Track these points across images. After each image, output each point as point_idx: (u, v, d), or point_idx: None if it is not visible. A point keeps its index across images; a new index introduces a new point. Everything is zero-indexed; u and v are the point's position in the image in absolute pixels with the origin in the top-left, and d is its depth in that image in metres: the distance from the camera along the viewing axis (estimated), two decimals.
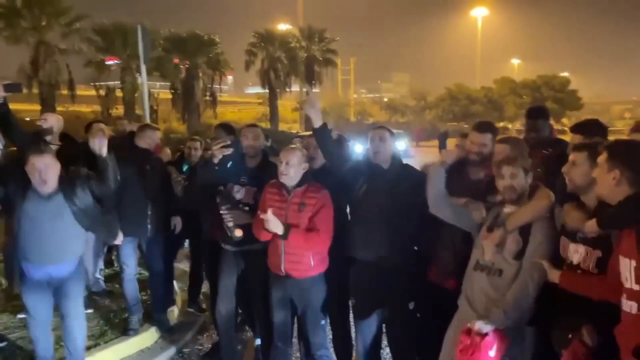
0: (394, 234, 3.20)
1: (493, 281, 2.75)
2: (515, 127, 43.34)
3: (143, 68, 7.04)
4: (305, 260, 3.29)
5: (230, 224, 3.58)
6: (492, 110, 46.64)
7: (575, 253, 2.50)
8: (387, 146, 3.28)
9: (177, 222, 4.72)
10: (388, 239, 3.21)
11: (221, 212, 3.62)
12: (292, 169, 3.25)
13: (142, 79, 7.25)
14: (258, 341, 4.36)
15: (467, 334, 2.62)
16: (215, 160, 3.57)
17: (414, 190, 3.13)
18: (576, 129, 3.47)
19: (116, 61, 24.27)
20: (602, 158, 2.25)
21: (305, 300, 3.37)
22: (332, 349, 3.73)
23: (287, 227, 3.16)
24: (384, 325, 3.44)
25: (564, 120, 44.88)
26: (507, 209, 2.79)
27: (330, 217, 3.28)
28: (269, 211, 3.14)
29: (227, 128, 4.17)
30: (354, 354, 3.91)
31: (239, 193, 3.69)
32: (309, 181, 3.32)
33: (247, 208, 3.66)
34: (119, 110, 25.11)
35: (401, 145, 23.89)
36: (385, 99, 61.66)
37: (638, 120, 3.22)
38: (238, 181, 3.72)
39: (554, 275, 2.49)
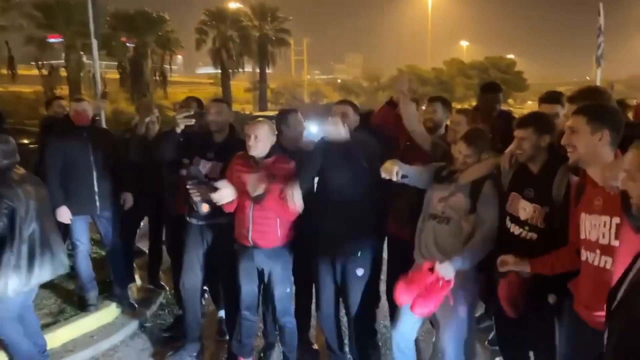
0: (351, 206, 3.31)
1: (442, 228, 2.99)
2: (464, 107, 44.34)
3: (94, 44, 6.73)
4: (272, 230, 3.35)
5: (197, 199, 3.59)
6: (443, 91, 47.26)
7: (523, 210, 2.75)
8: (349, 121, 3.34)
9: (126, 198, 4.59)
10: (344, 212, 3.32)
11: (187, 186, 3.62)
12: (260, 143, 3.30)
13: (94, 55, 6.92)
14: (221, 313, 4.43)
15: (431, 271, 2.79)
16: (178, 130, 3.57)
17: (367, 158, 3.24)
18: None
19: (59, 39, 23.22)
20: (580, 121, 2.30)
21: (271, 269, 3.44)
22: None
23: (262, 194, 3.23)
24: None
25: (510, 101, 46.22)
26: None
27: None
28: (252, 176, 3.21)
29: (197, 100, 4.17)
30: (313, 321, 4.05)
31: (205, 168, 3.70)
32: (277, 153, 3.37)
33: (213, 183, 3.67)
34: (63, 90, 24.06)
35: None
36: (339, 80, 61.69)
37: (548, 91, 3.40)
38: (204, 156, 3.72)
39: (524, 266, 2.63)
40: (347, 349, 3.77)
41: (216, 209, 3.57)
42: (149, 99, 24.89)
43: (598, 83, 23.83)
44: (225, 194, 3.28)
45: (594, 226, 2.25)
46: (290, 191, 3.16)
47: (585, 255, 2.32)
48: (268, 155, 3.35)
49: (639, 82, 61.33)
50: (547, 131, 2.74)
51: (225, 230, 3.69)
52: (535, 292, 2.67)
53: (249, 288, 3.55)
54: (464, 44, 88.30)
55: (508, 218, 2.86)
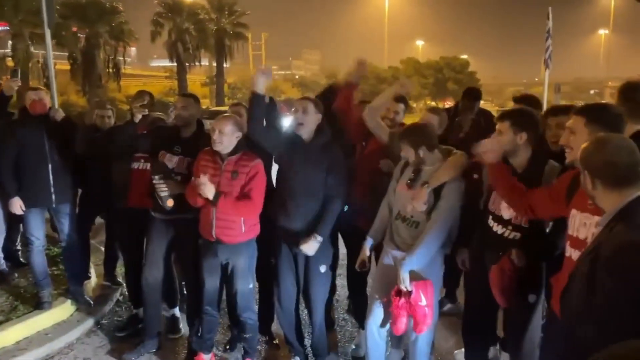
0: (310, 204, 3.36)
1: (411, 231, 3.09)
2: (419, 106, 45.20)
3: (48, 33, 6.45)
4: (235, 226, 3.36)
5: (163, 194, 3.57)
6: None
7: (507, 209, 2.80)
8: (309, 118, 3.36)
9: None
10: (304, 208, 3.36)
11: (153, 181, 3.59)
12: (225, 137, 3.29)
13: (47, 44, 6.63)
14: (176, 311, 4.41)
15: (398, 295, 2.96)
16: (136, 120, 3.55)
17: (328, 168, 3.32)
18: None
19: (5, 27, 22.23)
20: (579, 121, 2.31)
21: (235, 264, 3.46)
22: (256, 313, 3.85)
23: (217, 194, 3.24)
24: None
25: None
26: (427, 167, 3.10)
27: (262, 185, 3.37)
28: (205, 176, 3.20)
29: (149, 94, 4.14)
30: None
31: (171, 162, 3.68)
32: (243, 149, 3.38)
33: (179, 178, 3.66)
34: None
35: None
36: (297, 76, 61.64)
37: (523, 93, 3.58)
38: (171, 150, 3.71)
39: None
40: (306, 342, 3.83)
41: (181, 204, 3.56)
42: (104, 95, 24.30)
43: (546, 85, 24.71)
44: (208, 187, 3.24)
45: (583, 225, 2.21)
46: (201, 181, 3.18)
47: (569, 251, 2.28)
48: (234, 152, 3.36)
49: (584, 84, 64.09)
50: (524, 128, 2.71)
51: (189, 225, 3.67)
52: (518, 289, 2.73)
53: (211, 283, 3.56)
54: (420, 43, 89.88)
55: (491, 217, 2.88)
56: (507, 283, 2.68)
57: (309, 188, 3.33)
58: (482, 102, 5.05)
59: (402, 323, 3.01)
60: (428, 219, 3.01)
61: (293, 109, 3.40)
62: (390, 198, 3.31)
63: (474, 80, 51.80)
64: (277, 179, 3.59)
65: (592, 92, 65.77)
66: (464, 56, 58.14)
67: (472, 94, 4.92)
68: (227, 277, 3.54)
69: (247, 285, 3.53)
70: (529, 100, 3.70)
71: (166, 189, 3.52)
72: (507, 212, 2.80)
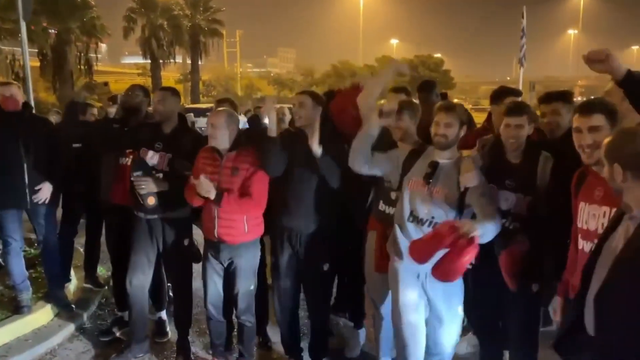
0: (312, 201, 3.26)
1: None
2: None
3: (23, 26, 6.20)
4: (238, 225, 3.25)
5: (142, 192, 3.43)
6: None
7: (505, 200, 2.77)
8: (307, 111, 3.25)
9: (44, 187, 4.12)
10: (306, 205, 3.26)
11: (132, 178, 3.45)
12: (218, 131, 3.18)
13: (22, 38, 6.38)
14: (163, 314, 4.27)
15: (452, 231, 2.50)
16: (110, 115, 3.55)
17: (330, 177, 3.17)
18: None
19: None
20: (600, 119, 2.27)
21: (237, 264, 3.34)
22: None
23: (220, 193, 3.11)
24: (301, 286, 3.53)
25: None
26: (441, 160, 2.85)
27: (265, 181, 3.26)
28: (202, 176, 3.08)
29: (143, 88, 4.03)
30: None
31: (152, 159, 3.54)
32: (242, 145, 3.27)
33: (160, 175, 3.52)
34: None
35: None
36: (272, 74, 61.33)
37: (546, 92, 3.38)
38: (152, 147, 3.56)
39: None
40: (302, 345, 3.72)
41: (164, 203, 3.42)
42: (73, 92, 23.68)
43: (520, 83, 25.06)
44: (206, 187, 3.10)
45: (592, 216, 2.28)
46: (199, 182, 3.07)
47: (582, 244, 2.34)
48: (233, 148, 3.24)
49: (555, 83, 65.39)
50: (533, 120, 2.82)
51: (175, 224, 3.56)
52: (523, 276, 2.74)
53: (213, 286, 3.46)
54: (394, 42, 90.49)
55: None
56: (517, 266, 2.71)
57: (311, 185, 3.23)
58: (455, 100, 4.93)
59: (430, 256, 2.57)
60: (455, 218, 2.76)
61: (292, 105, 3.31)
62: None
63: (448, 79, 52.33)
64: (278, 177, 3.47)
65: (561, 90, 67.15)
66: (438, 55, 58.69)
67: (423, 86, 4.65)
68: (229, 278, 3.42)
69: (248, 287, 3.42)
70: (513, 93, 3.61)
71: (145, 186, 3.39)
72: (505, 203, 2.79)
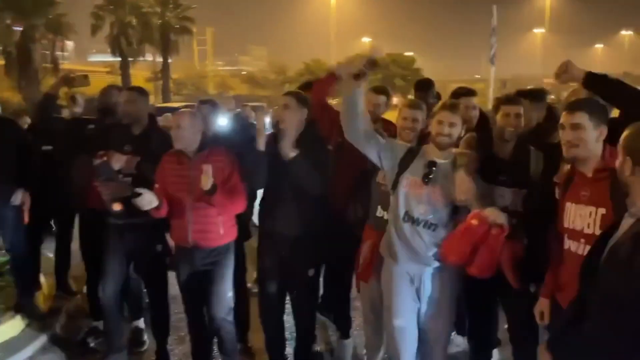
0: (298, 205, 3.16)
1: (430, 233, 2.75)
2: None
3: None
4: (213, 228, 3.14)
5: (106, 197, 3.29)
6: None
7: (502, 197, 2.81)
8: (291, 113, 3.13)
9: (18, 195, 3.99)
10: (292, 210, 3.17)
11: (96, 183, 3.30)
12: (184, 132, 3.07)
13: None
14: (140, 322, 4.12)
15: (483, 222, 2.50)
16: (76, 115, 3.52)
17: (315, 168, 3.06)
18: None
19: None
20: (583, 117, 2.31)
21: (212, 270, 3.22)
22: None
23: (215, 185, 2.97)
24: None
25: (410, 97, 48.09)
26: (439, 160, 2.76)
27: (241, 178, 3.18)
28: (207, 166, 2.94)
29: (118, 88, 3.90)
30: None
31: (118, 162, 3.39)
32: (210, 145, 3.16)
33: (129, 179, 3.38)
34: None
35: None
36: (244, 72, 60.80)
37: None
38: (121, 149, 3.41)
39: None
40: (286, 352, 3.62)
41: (133, 208, 3.27)
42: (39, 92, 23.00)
43: (492, 81, 25.35)
44: (147, 200, 3.00)
45: (579, 215, 2.33)
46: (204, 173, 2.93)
47: (568, 243, 2.39)
48: (202, 148, 3.12)
49: (524, 81, 66.63)
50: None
51: (146, 230, 3.42)
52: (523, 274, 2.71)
53: (191, 296, 3.36)
54: (366, 40, 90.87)
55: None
56: (517, 262, 2.66)
57: (294, 187, 3.13)
58: None
59: (467, 251, 2.55)
60: (450, 219, 2.73)
61: (277, 107, 3.21)
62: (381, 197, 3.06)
63: (420, 77, 52.77)
64: None
65: (529, 88, 68.47)
66: (409, 53, 59.12)
67: (421, 85, 4.65)
68: (205, 284, 3.29)
69: (225, 293, 3.29)
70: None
71: (109, 191, 3.25)
72: (501, 200, 2.77)
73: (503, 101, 2.87)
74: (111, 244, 3.54)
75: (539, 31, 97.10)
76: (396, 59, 53.95)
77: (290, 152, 2.99)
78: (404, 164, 2.82)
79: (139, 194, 2.96)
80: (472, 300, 3.02)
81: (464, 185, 2.65)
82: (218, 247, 3.21)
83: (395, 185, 2.84)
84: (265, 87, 48.75)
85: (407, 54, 58.36)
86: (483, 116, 3.59)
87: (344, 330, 3.92)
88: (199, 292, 3.34)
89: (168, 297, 3.77)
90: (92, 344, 4.02)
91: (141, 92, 3.59)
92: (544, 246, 2.64)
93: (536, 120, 3.25)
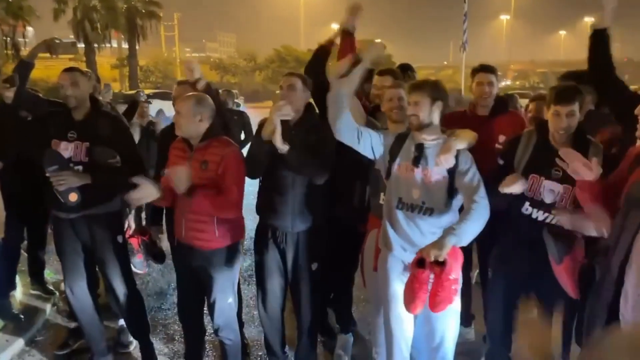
0: (298, 196, 2.98)
1: (426, 220, 2.64)
2: None
3: None
4: (207, 228, 2.88)
5: (62, 188, 3.01)
6: None
7: (551, 192, 2.58)
8: (297, 95, 2.94)
9: None
10: (292, 201, 2.98)
11: (47, 174, 3.01)
12: (182, 119, 2.82)
13: None
14: (121, 322, 3.88)
15: (419, 266, 2.42)
16: (7, 101, 3.28)
17: (319, 143, 2.90)
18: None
19: None
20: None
21: (210, 275, 2.97)
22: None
23: (193, 186, 2.74)
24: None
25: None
26: (429, 142, 2.65)
27: (241, 177, 2.88)
28: (182, 166, 2.73)
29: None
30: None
31: (67, 151, 3.13)
32: (216, 135, 2.90)
33: (80, 167, 3.12)
34: None
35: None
36: (212, 59, 59.68)
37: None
38: (65, 137, 3.14)
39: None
40: (287, 349, 3.46)
41: (90, 198, 3.03)
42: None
43: (463, 68, 25.54)
44: (146, 192, 2.75)
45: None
46: (172, 172, 2.72)
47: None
48: (204, 138, 2.87)
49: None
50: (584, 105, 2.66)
51: (103, 220, 3.18)
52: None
53: (185, 296, 3.14)
54: (335, 26, 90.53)
55: (528, 203, 2.64)
56: (578, 273, 2.47)
57: (296, 178, 2.95)
58: None
59: (423, 301, 2.48)
60: (447, 203, 2.62)
61: (279, 87, 3.00)
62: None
63: (390, 64, 52.73)
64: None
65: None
66: (379, 40, 59.13)
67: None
68: (202, 289, 3.06)
69: (225, 300, 3.04)
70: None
71: (64, 182, 2.98)
72: (551, 195, 2.59)
73: (555, 98, 2.58)
74: (66, 241, 3.26)
75: (505, 18, 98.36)
76: (366, 46, 53.92)
77: (283, 146, 2.79)
78: (394, 151, 2.74)
79: (135, 185, 2.70)
80: (496, 300, 2.87)
81: (446, 152, 2.56)
82: (214, 250, 2.93)
83: (388, 174, 2.76)
84: (235, 74, 48.01)
85: (377, 40, 58.25)
86: (503, 101, 3.49)
87: (345, 325, 3.79)
88: (194, 294, 3.12)
89: (138, 292, 3.52)
90: (74, 346, 3.75)
91: (83, 72, 3.27)
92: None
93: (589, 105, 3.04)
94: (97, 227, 3.22)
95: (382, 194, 2.98)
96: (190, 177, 2.72)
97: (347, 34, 3.45)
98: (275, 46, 50.54)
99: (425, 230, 2.65)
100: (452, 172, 2.60)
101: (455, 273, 2.43)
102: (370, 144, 2.72)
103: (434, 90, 2.63)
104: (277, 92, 3.05)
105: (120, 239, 3.31)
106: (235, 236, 3.00)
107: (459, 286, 2.52)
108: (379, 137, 2.75)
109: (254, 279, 3.41)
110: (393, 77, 3.43)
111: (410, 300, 2.51)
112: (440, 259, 2.35)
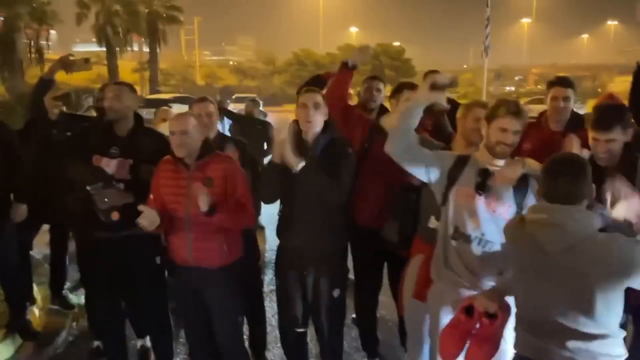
0: (316, 216, 2.79)
1: (484, 254, 2.41)
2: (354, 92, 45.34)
3: None
4: (215, 246, 2.77)
5: (104, 206, 2.93)
6: None
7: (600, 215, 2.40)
8: (320, 115, 2.78)
9: (18, 211, 3.67)
10: (310, 221, 2.81)
11: (90, 192, 2.93)
12: (189, 138, 2.69)
13: None
14: (147, 340, 3.75)
15: (466, 312, 2.20)
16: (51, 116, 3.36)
17: (341, 163, 2.74)
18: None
19: None
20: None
21: (216, 295, 2.86)
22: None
23: (214, 204, 2.62)
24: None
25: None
26: (494, 166, 2.41)
27: (248, 188, 2.85)
28: (198, 185, 2.62)
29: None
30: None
31: (109, 167, 3.02)
32: (213, 151, 2.82)
33: (122, 185, 3.02)
34: None
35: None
36: (231, 62, 60.05)
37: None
38: (106, 153, 3.04)
39: None
40: None
41: (129, 217, 2.87)
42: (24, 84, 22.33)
43: (485, 72, 25.22)
44: (150, 218, 2.65)
45: None
46: (197, 193, 2.59)
47: None
48: (202, 155, 2.76)
49: (510, 71, 66.94)
50: (631, 125, 2.50)
51: (143, 241, 3.05)
52: None
53: (193, 318, 3.00)
54: (354, 30, 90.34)
55: None
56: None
57: (316, 200, 2.75)
58: None
59: (461, 351, 2.24)
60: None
61: (301, 105, 2.79)
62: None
63: (409, 67, 52.57)
64: None
65: (517, 78, 68.63)
66: (397, 43, 58.82)
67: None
68: (207, 309, 2.93)
69: (231, 320, 2.97)
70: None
71: (107, 200, 2.91)
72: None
73: (592, 124, 2.46)
74: (103, 262, 3.15)
75: (526, 21, 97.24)
76: (386, 50, 53.64)
77: (296, 163, 2.65)
78: (453, 175, 2.47)
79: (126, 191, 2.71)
80: None
81: (513, 171, 2.35)
82: (221, 267, 2.82)
83: (444, 199, 2.49)
84: (254, 78, 48.19)
85: (395, 44, 58.10)
86: (579, 117, 3.29)
87: (371, 350, 3.60)
88: (201, 317, 2.96)
89: (169, 314, 3.43)
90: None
91: (131, 88, 3.25)
92: None
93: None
94: (136, 248, 3.10)
95: (432, 217, 2.76)
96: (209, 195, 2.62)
97: (347, 68, 3.37)
98: (294, 49, 50.67)
99: (481, 266, 2.42)
100: (520, 204, 2.37)
101: (502, 328, 2.19)
102: (425, 166, 2.48)
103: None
104: (299, 108, 2.82)
105: (158, 259, 3.20)
106: (238, 251, 2.93)
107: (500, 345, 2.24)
108: (437, 159, 2.50)
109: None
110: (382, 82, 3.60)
111: (446, 348, 2.29)
112: (491, 311, 2.13)
